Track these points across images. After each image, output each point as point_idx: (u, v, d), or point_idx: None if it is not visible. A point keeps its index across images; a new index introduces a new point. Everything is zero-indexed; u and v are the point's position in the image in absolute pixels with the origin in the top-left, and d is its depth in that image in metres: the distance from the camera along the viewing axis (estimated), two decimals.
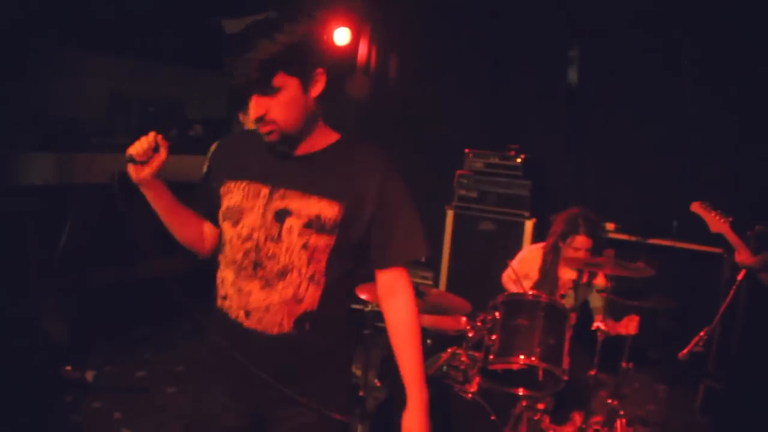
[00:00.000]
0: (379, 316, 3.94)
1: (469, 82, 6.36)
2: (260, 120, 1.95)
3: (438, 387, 3.33)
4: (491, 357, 3.31)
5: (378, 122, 6.76)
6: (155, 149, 2.05)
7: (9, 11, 4.97)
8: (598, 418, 3.85)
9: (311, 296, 2.03)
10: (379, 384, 3.95)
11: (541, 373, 3.38)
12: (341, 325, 2.17)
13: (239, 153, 2.21)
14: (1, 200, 5.16)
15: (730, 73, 5.32)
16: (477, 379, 3.32)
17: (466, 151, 6.06)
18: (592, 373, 3.62)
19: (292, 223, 1.99)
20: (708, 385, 4.87)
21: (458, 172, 6.04)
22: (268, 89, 1.90)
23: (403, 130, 6.58)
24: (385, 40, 6.84)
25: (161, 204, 2.17)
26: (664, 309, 3.74)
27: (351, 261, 2.10)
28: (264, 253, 2.01)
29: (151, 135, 2.06)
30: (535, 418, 3.53)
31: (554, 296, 3.95)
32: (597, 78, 5.96)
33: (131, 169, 2.04)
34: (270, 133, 1.98)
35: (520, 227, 5.75)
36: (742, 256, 3.97)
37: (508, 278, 4.33)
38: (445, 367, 3.49)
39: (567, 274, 4.15)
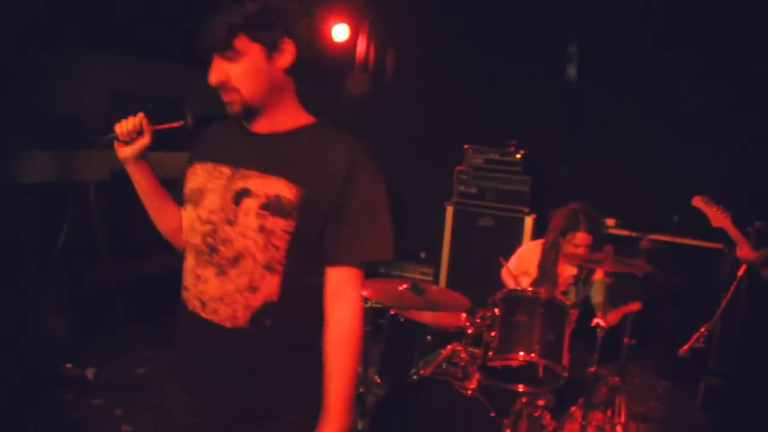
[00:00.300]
0: (379, 312, 3.96)
1: (469, 77, 6.34)
2: (221, 87, 1.89)
3: (437, 384, 3.33)
4: (491, 353, 3.30)
5: (377, 118, 6.76)
6: (140, 132, 2.04)
7: (8, 9, 4.95)
8: (598, 415, 3.85)
9: (268, 286, 1.88)
10: (379, 380, 3.94)
11: (541, 369, 3.37)
12: (311, 326, 1.95)
13: (217, 137, 2.12)
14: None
15: (731, 69, 5.31)
16: (477, 376, 3.31)
17: (466, 147, 6.06)
18: (593, 369, 3.61)
19: (250, 204, 1.86)
20: (709, 382, 4.86)
21: (457, 168, 6.03)
22: (229, 52, 1.84)
23: (402, 126, 6.59)
24: (383, 36, 6.84)
25: (142, 186, 2.14)
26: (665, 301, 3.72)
27: (317, 256, 1.93)
28: (220, 237, 1.90)
29: (138, 116, 2.05)
30: (536, 414, 3.52)
31: (554, 293, 3.94)
32: (596, 73, 5.95)
33: (115, 146, 2.05)
34: (232, 103, 1.91)
35: (520, 223, 5.74)
36: (744, 251, 3.96)
37: (506, 275, 4.33)
38: (444, 364, 3.48)
39: (567, 271, 4.14)
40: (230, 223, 1.88)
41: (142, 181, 2.12)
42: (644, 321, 3.99)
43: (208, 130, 2.19)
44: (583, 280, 4.13)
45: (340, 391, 1.88)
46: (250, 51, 1.85)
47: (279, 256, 1.87)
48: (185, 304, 2.01)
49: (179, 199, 2.13)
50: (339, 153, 1.91)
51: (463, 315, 3.89)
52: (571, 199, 4.18)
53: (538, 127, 6.06)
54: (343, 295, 1.92)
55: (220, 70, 1.88)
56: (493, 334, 3.35)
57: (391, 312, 4.01)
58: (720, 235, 4.20)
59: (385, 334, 4.10)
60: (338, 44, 6.69)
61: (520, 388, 3.31)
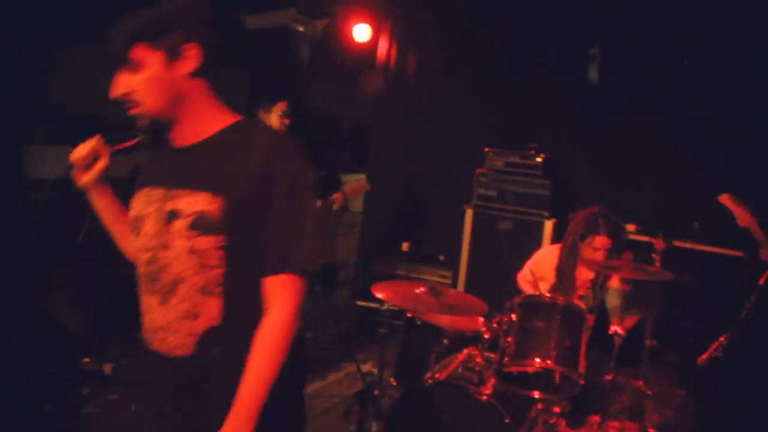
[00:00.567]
0: (395, 314, 3.95)
1: (490, 80, 6.31)
2: (125, 101, 1.80)
3: (452, 388, 3.31)
4: (507, 359, 3.29)
5: (398, 119, 6.75)
6: (97, 156, 1.98)
7: (29, 4, 5.00)
8: (615, 424, 3.82)
9: (208, 310, 1.79)
10: (395, 383, 3.94)
11: (557, 376, 3.35)
12: None
13: (155, 159, 2.00)
14: (18, 194, 5.21)
15: (755, 73, 5.25)
16: (492, 381, 3.30)
17: (486, 149, 6.03)
18: (609, 377, 3.58)
19: (179, 226, 1.78)
20: (727, 391, 4.80)
21: (478, 170, 6.01)
22: (129, 64, 1.77)
23: (422, 127, 6.57)
24: (405, 37, 6.82)
25: (104, 211, 2.09)
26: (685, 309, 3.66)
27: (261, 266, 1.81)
28: (158, 264, 1.82)
29: (93, 140, 1.98)
30: (551, 421, 3.50)
31: (572, 297, 3.92)
32: (618, 77, 5.89)
33: (74, 174, 1.98)
34: (138, 117, 1.81)
35: (540, 227, 5.71)
36: (767, 253, 3.91)
37: (523, 279, 4.30)
38: (460, 369, 3.47)
39: (585, 274, 4.11)
40: (165, 247, 1.81)
41: (103, 206, 2.07)
42: (663, 328, 3.94)
43: (153, 153, 2.05)
44: (600, 284, 4.10)
45: (251, 403, 1.74)
46: (150, 60, 1.77)
47: (215, 277, 1.78)
48: (142, 335, 1.95)
49: None
50: (257, 153, 1.79)
51: (480, 319, 3.88)
52: (592, 204, 4.14)
53: (559, 130, 6.00)
54: (272, 305, 1.78)
55: (121, 83, 1.80)
56: (509, 339, 3.33)
57: (408, 315, 4.00)
58: (741, 243, 4.15)
59: (402, 336, 4.09)
60: (359, 45, 6.69)
61: (536, 394, 3.29)
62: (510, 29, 6.18)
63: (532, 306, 3.43)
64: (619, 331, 3.58)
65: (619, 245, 4.00)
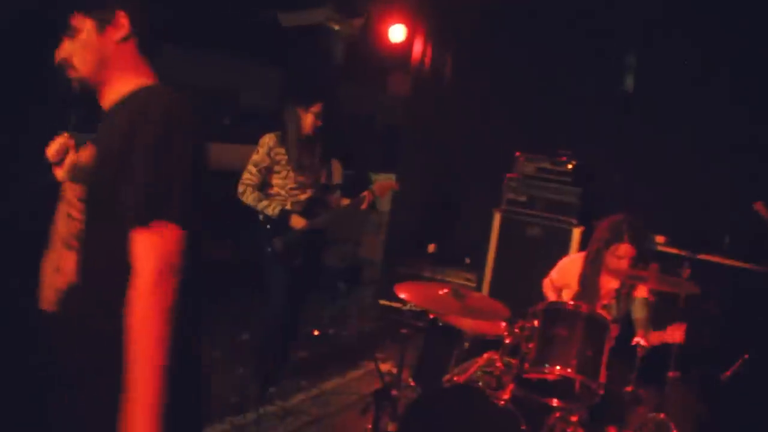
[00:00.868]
0: (418, 315, 3.95)
1: (523, 85, 6.29)
2: (64, 65, 1.89)
3: (471, 392, 3.30)
4: (527, 365, 3.27)
5: (429, 121, 6.75)
6: (67, 151, 1.99)
7: None
8: None
9: (67, 266, 1.74)
10: (413, 384, 3.93)
11: (578, 385, 3.33)
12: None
13: None
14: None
15: None
16: (511, 387, 3.28)
17: (517, 154, 6.01)
18: (630, 389, 3.54)
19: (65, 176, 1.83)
20: (749, 407, 4.74)
21: (508, 175, 5.98)
22: (69, 31, 1.88)
23: (454, 129, 6.56)
24: (440, 38, 6.82)
25: None
26: (710, 324, 3.60)
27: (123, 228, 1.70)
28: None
29: (61, 136, 2.01)
30: (568, 430, 3.47)
31: (595, 306, 3.88)
32: (653, 86, 5.85)
33: (53, 170, 2.02)
34: (73, 80, 1.90)
35: (568, 234, 5.67)
36: None
37: (548, 286, 4.28)
38: (479, 372, 3.45)
39: (609, 284, 4.06)
40: (60, 200, 1.86)
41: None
42: (687, 343, 3.89)
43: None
44: (625, 294, 4.05)
45: (138, 412, 1.61)
46: (84, 27, 1.87)
47: (75, 230, 1.76)
48: None
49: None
50: (132, 112, 1.79)
51: (502, 324, 3.86)
52: (618, 211, 4.10)
53: (592, 138, 5.96)
54: (136, 268, 1.65)
55: (63, 49, 1.90)
56: (530, 345, 3.32)
57: (431, 316, 3.99)
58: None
59: (423, 337, 4.08)
60: (394, 45, 6.71)
61: (554, 402, 3.27)
62: (546, 34, 6.15)
63: (555, 313, 3.41)
64: (642, 342, 3.54)
65: (643, 254, 3.95)
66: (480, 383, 3.35)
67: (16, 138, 4.16)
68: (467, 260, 6.41)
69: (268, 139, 4.34)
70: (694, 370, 5.22)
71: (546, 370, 3.24)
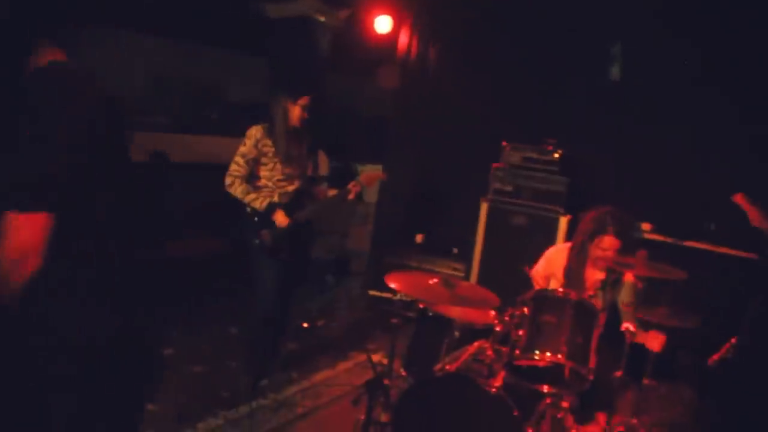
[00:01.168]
0: (407, 305, 3.97)
1: (509, 74, 6.32)
2: None
3: (462, 380, 3.33)
4: (517, 352, 3.29)
5: (416, 112, 6.76)
6: None
7: None
8: (621, 419, 3.83)
9: None
10: (405, 373, 3.96)
11: (566, 371, 3.36)
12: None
13: None
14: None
15: None
16: (502, 374, 3.31)
17: (504, 144, 6.03)
18: (619, 374, 3.58)
19: None
20: (736, 392, 4.80)
21: (494, 165, 6.01)
22: None
23: (440, 120, 6.58)
24: (426, 29, 6.82)
25: None
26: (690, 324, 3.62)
27: None
28: None
29: None
30: (559, 416, 3.50)
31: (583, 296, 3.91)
32: (639, 76, 5.89)
33: None
34: None
35: (555, 223, 5.71)
36: None
37: (536, 275, 4.31)
38: (470, 361, 3.48)
39: (595, 275, 4.10)
40: None
41: None
42: (674, 328, 3.93)
43: None
44: (611, 284, 4.08)
45: None
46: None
47: None
48: None
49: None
50: (30, 86, 1.79)
51: (492, 313, 3.89)
52: (608, 202, 4.13)
53: (578, 126, 6.00)
54: (2, 243, 1.67)
55: None
56: (520, 333, 3.34)
57: (421, 306, 4.01)
58: (755, 245, 4.14)
59: (413, 327, 4.10)
60: (381, 36, 6.71)
61: (545, 388, 3.30)
62: (532, 24, 6.18)
63: (545, 301, 3.44)
64: (631, 328, 3.58)
65: (628, 246, 3.98)
66: (471, 371, 3.38)
67: None
68: (455, 250, 6.43)
69: (255, 131, 4.33)
70: (680, 355, 5.29)
71: (536, 357, 3.26)
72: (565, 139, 5.91)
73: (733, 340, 3.95)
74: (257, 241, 4.34)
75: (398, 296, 3.70)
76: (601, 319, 3.51)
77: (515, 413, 3.10)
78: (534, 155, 5.91)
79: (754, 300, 4.14)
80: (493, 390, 3.18)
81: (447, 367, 3.46)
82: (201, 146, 6.93)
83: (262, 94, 7.69)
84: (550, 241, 5.49)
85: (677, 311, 3.55)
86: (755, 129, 5.31)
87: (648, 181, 5.77)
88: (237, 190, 4.30)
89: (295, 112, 4.36)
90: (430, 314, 3.99)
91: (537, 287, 4.30)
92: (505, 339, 3.49)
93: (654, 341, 3.66)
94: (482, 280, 5.80)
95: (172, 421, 3.96)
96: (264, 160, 4.33)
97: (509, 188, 5.95)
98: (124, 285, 1.91)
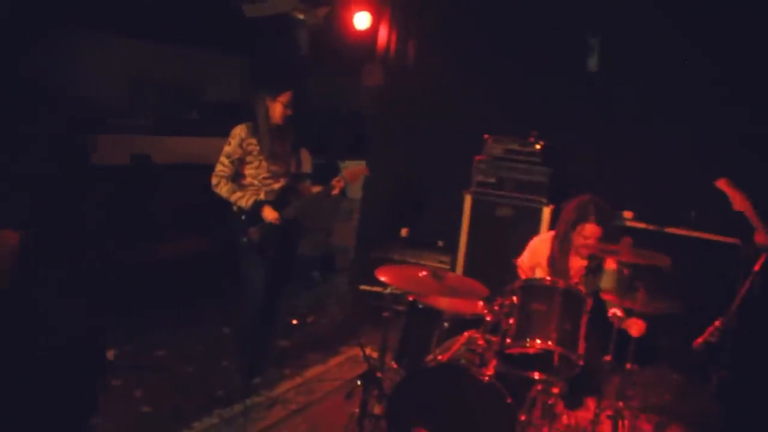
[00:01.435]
0: (397, 299, 4.01)
1: (489, 67, 6.36)
2: None
3: (455, 370, 3.37)
4: (508, 341, 3.35)
5: (397, 107, 6.79)
6: None
7: None
8: (609, 403, 3.89)
9: None
10: (396, 366, 3.99)
11: (556, 357, 3.42)
12: None
13: None
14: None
15: (752, 62, 5.30)
16: (494, 362, 3.36)
17: (485, 136, 6.07)
18: (608, 358, 3.64)
19: None
20: (721, 376, 4.88)
21: (477, 157, 6.06)
22: None
23: (422, 114, 6.60)
24: (405, 24, 6.85)
25: None
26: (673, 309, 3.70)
27: None
28: None
29: None
30: (550, 402, 3.57)
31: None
32: (617, 66, 5.96)
33: None
34: None
35: (538, 213, 5.77)
36: (762, 237, 3.98)
37: (521, 266, 4.38)
38: (462, 351, 3.53)
39: (578, 263, 4.17)
40: None
41: None
42: (657, 314, 3.99)
43: None
44: (593, 270, 4.14)
45: None
46: None
47: None
48: None
49: None
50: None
51: (480, 303, 3.95)
52: (590, 191, 4.20)
53: (558, 118, 6.06)
54: None
55: None
56: (511, 321, 3.40)
57: (410, 298, 4.05)
58: (736, 230, 4.21)
59: (403, 320, 4.13)
60: (360, 32, 6.73)
61: (536, 375, 3.36)
62: (511, 16, 6.23)
63: (534, 289, 3.50)
64: (619, 313, 3.64)
65: (610, 234, 4.05)
66: (463, 361, 3.42)
67: None
68: (440, 243, 6.47)
69: (239, 130, 4.34)
70: (665, 340, 5.37)
71: (527, 344, 3.32)
72: (546, 130, 5.97)
73: (717, 323, 4.02)
74: (245, 240, 4.36)
75: (389, 290, 3.74)
76: (589, 305, 3.56)
77: (509, 400, 3.16)
78: (516, 147, 5.96)
79: (741, 283, 4.21)
80: (486, 378, 3.23)
81: (439, 357, 3.50)
82: (182, 147, 6.92)
83: (241, 93, 7.69)
84: (534, 231, 5.55)
85: (660, 297, 3.63)
86: (734, 116, 5.39)
87: (629, 170, 5.85)
88: (223, 189, 4.31)
89: (277, 109, 4.38)
90: (420, 306, 4.03)
91: (523, 277, 4.37)
92: (495, 328, 3.55)
93: (633, 327, 3.73)
94: (468, 272, 5.84)
95: (168, 422, 3.98)
96: (249, 158, 4.35)
97: (492, 180, 6.01)
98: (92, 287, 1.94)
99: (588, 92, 6.04)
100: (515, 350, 3.42)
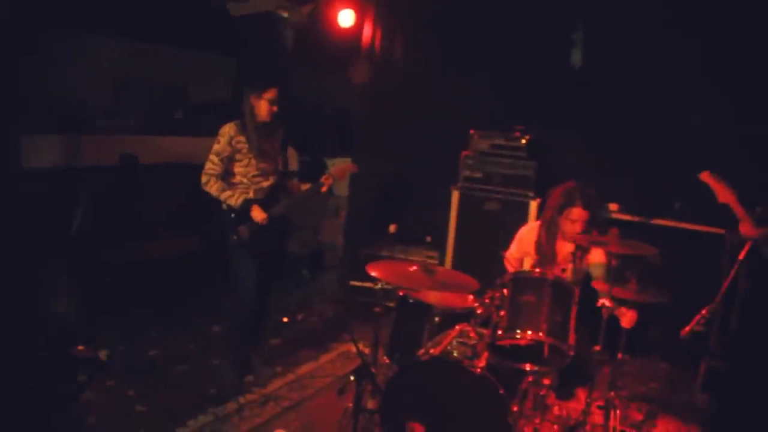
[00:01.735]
0: (387, 294, 4.03)
1: (475, 63, 6.39)
2: None
3: (447, 363, 3.40)
4: (500, 332, 3.38)
5: (384, 104, 6.80)
6: None
7: None
8: (600, 393, 3.93)
9: None
10: (388, 361, 4.02)
11: (546, 348, 3.45)
12: None
13: None
14: (11, 183, 5.21)
15: (735, 54, 5.36)
16: (485, 355, 3.40)
17: (472, 132, 6.11)
18: (598, 348, 3.69)
19: None
20: (709, 364, 4.94)
21: (463, 152, 6.09)
22: None
23: (408, 111, 6.62)
24: (389, 21, 6.87)
25: None
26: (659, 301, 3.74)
27: None
28: None
29: None
30: (541, 393, 3.61)
31: (554, 270, 4.02)
32: (601, 60, 6.01)
33: None
34: None
35: (525, 207, 5.82)
36: (746, 228, 4.03)
37: (509, 258, 4.42)
38: (454, 344, 3.56)
39: (565, 248, 4.22)
40: None
41: None
42: (645, 303, 4.04)
43: None
44: (580, 256, 4.17)
45: None
46: None
47: None
48: None
49: None
50: None
51: (470, 297, 3.99)
52: (568, 180, 4.25)
53: (544, 112, 6.10)
54: None
55: None
56: (501, 314, 3.43)
57: (401, 293, 4.08)
58: (721, 220, 4.26)
59: (394, 314, 4.16)
60: (344, 30, 6.74)
61: (528, 367, 3.39)
62: (495, 12, 6.26)
63: (523, 281, 3.53)
64: (608, 303, 3.68)
65: (596, 218, 4.10)
66: (455, 354, 3.46)
67: None
68: (428, 238, 6.49)
69: (228, 129, 4.35)
70: (653, 330, 5.43)
71: (518, 336, 3.35)
72: (532, 124, 6.01)
73: (703, 312, 4.07)
74: (235, 237, 4.37)
75: (379, 285, 3.77)
76: (577, 295, 3.60)
77: (501, 392, 3.19)
78: (502, 142, 6.00)
79: (727, 272, 4.26)
80: (478, 371, 3.26)
81: (431, 351, 3.53)
82: (167, 147, 6.91)
83: (226, 92, 7.69)
84: (522, 224, 5.54)
85: (648, 287, 3.67)
86: (717, 108, 5.45)
87: (613, 163, 5.89)
88: (213, 188, 4.32)
89: (263, 106, 4.38)
90: (411, 301, 4.06)
91: (511, 270, 4.42)
92: (486, 321, 3.58)
93: (624, 318, 3.77)
94: (457, 267, 5.83)
95: (163, 420, 4.00)
96: (238, 156, 4.36)
97: (479, 175, 6.04)
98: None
99: (572, 86, 6.08)
100: (506, 342, 3.46)
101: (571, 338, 3.37)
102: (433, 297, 4.04)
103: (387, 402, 3.46)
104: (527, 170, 5.88)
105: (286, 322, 5.80)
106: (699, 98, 5.53)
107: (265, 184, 4.46)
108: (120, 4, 6.05)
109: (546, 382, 3.62)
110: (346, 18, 6.70)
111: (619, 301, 3.74)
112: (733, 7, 5.35)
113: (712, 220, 5.19)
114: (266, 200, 4.42)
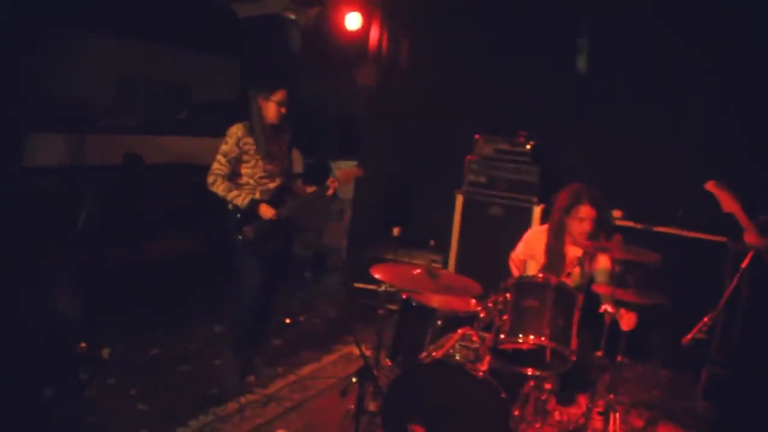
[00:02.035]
0: (390, 297, 4.04)
1: (480, 68, 6.40)
2: None
3: (449, 366, 3.41)
4: (502, 336, 3.39)
5: (389, 108, 6.81)
6: None
7: None
8: (601, 401, 3.93)
9: None
10: (390, 363, 4.03)
11: (548, 353, 3.46)
12: None
13: None
14: (14, 182, 5.23)
15: (739, 62, 5.36)
16: (488, 358, 3.40)
17: (476, 136, 6.13)
18: (599, 354, 3.69)
19: None
20: (710, 371, 4.94)
21: (468, 157, 6.11)
22: None
23: (413, 115, 6.63)
24: (396, 25, 6.88)
25: None
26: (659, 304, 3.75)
27: None
28: None
29: None
30: (542, 398, 3.62)
31: (562, 274, 4.02)
32: (606, 66, 6.01)
33: None
34: None
35: (529, 212, 5.84)
36: (751, 236, 4.03)
37: (513, 263, 4.43)
38: (456, 347, 3.57)
39: (574, 251, 4.23)
40: None
41: None
42: (646, 309, 4.05)
43: None
44: (587, 260, 4.17)
45: None
46: None
47: None
48: None
49: None
50: None
51: (473, 301, 3.99)
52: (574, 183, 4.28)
53: (548, 118, 6.11)
54: None
55: None
56: (504, 318, 3.44)
57: (404, 296, 4.09)
58: (724, 229, 4.26)
59: (397, 317, 4.16)
60: (351, 33, 6.76)
61: (529, 371, 3.40)
62: (501, 16, 6.27)
63: (526, 286, 3.55)
64: (610, 309, 3.68)
65: (603, 218, 4.11)
66: (458, 357, 3.47)
67: None
68: (432, 242, 6.50)
69: (236, 129, 4.36)
70: (654, 336, 5.43)
71: (521, 340, 3.36)
72: (537, 129, 6.02)
73: (705, 319, 4.07)
74: (240, 238, 4.38)
75: (383, 287, 3.78)
76: (580, 301, 3.61)
77: (503, 395, 3.20)
78: (506, 147, 6.02)
79: (729, 280, 4.26)
80: (480, 374, 3.27)
81: (433, 354, 3.54)
82: (171, 147, 6.93)
83: (228, 93, 7.71)
84: (525, 230, 5.53)
85: (649, 293, 3.68)
86: (722, 115, 5.46)
87: (617, 169, 5.89)
88: (219, 188, 4.33)
89: (271, 108, 4.39)
90: (414, 304, 4.07)
91: (514, 272, 4.43)
92: (488, 325, 3.59)
93: (623, 320, 3.78)
94: (460, 271, 5.88)
95: (164, 420, 4.00)
96: (246, 157, 4.37)
97: (483, 180, 6.06)
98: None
99: (577, 92, 6.09)
100: (509, 346, 3.47)
101: (573, 343, 3.38)
102: (436, 300, 4.04)
103: (389, 404, 3.47)
104: (531, 176, 5.89)
105: (288, 324, 5.81)
106: (704, 105, 5.54)
107: (272, 185, 4.47)
108: (123, 4, 6.08)
109: (547, 386, 3.64)
110: (352, 21, 6.72)
111: (619, 303, 3.75)
112: (733, 7, 5.36)
113: (715, 227, 5.19)
114: (272, 202, 4.43)
